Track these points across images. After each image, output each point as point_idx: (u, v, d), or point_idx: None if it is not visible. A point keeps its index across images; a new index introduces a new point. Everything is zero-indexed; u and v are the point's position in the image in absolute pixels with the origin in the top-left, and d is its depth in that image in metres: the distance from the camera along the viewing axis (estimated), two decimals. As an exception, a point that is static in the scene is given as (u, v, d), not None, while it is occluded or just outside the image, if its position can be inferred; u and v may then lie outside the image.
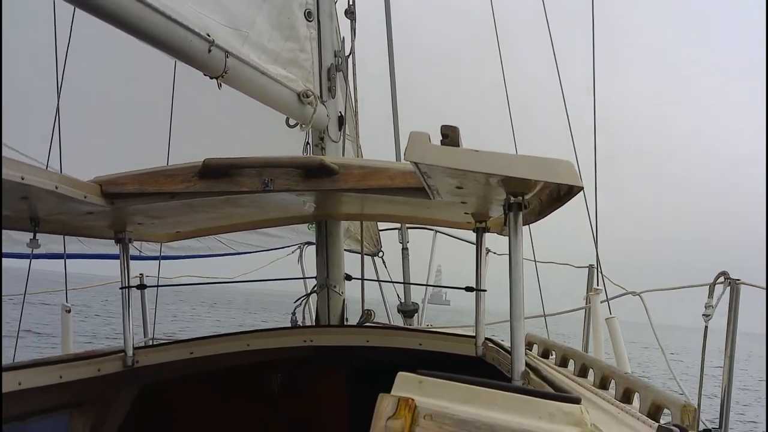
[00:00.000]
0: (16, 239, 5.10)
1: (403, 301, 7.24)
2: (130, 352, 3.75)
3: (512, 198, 2.35)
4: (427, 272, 7.73)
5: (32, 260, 5.13)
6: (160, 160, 4.76)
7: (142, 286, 4.99)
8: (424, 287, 7.66)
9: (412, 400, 1.68)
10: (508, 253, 2.42)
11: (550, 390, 2.27)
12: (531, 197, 2.38)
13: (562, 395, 1.77)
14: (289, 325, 4.68)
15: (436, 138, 2.12)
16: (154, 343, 5.22)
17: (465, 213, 3.35)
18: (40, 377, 3.18)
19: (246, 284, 6.47)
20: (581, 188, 2.15)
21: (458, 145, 2.10)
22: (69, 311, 5.30)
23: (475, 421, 1.67)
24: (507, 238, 2.43)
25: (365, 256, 5.60)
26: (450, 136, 2.11)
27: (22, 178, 2.39)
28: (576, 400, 1.71)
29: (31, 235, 3.14)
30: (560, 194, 2.33)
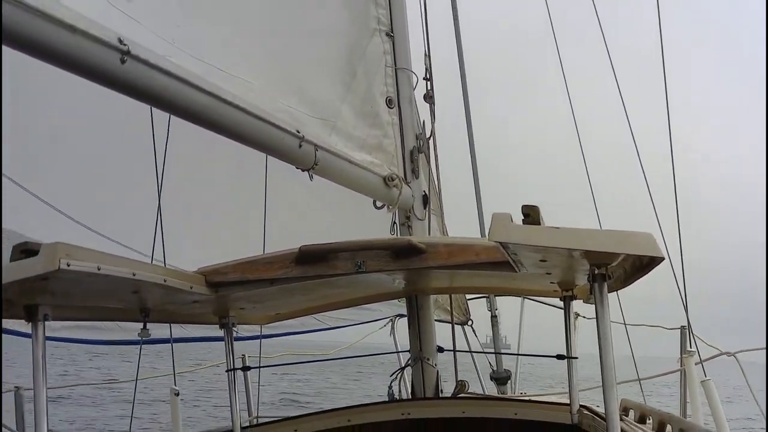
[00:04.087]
0: (127, 328, 5.44)
1: (495, 369, 7.25)
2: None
3: (596, 269, 2.43)
4: (518, 339, 7.73)
5: (141, 346, 5.41)
6: (248, 244, 4.93)
7: (245, 368, 5.16)
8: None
9: None
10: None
11: None
12: (614, 267, 2.46)
13: None
14: (387, 398, 4.79)
15: (518, 215, 2.25)
16: (259, 421, 5.37)
17: (551, 282, 3.43)
18: None
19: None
20: (663, 259, 2.22)
21: (539, 223, 2.23)
22: (177, 394, 5.49)
23: None
24: (593, 306, 2.51)
25: (455, 326, 5.68)
26: (531, 215, 2.24)
27: (134, 274, 2.57)
28: None
29: (141, 325, 3.36)
30: (643, 264, 2.40)
